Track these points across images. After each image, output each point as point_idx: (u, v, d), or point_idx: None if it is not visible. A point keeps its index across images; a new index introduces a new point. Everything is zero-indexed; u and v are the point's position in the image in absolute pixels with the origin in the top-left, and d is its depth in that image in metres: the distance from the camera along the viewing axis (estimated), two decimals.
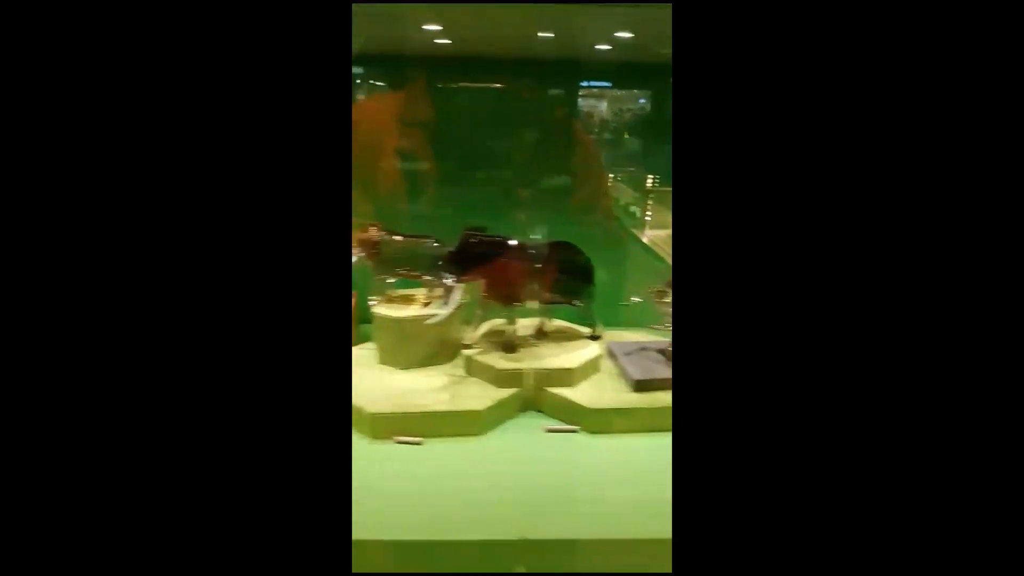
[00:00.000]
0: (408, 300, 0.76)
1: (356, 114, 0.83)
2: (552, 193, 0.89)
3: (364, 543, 0.47)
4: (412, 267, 0.71)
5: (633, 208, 0.96)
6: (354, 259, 0.73)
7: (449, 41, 0.77)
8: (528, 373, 0.67)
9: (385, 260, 0.71)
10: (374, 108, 0.86)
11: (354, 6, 0.36)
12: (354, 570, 0.47)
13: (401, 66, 0.85)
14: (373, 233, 0.70)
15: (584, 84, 0.90)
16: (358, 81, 0.87)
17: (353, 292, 0.84)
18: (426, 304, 0.74)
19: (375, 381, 0.68)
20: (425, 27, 0.70)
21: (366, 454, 0.59)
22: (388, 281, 0.73)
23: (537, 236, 0.84)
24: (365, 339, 0.81)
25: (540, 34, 0.73)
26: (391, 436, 0.61)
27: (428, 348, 0.72)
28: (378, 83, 0.87)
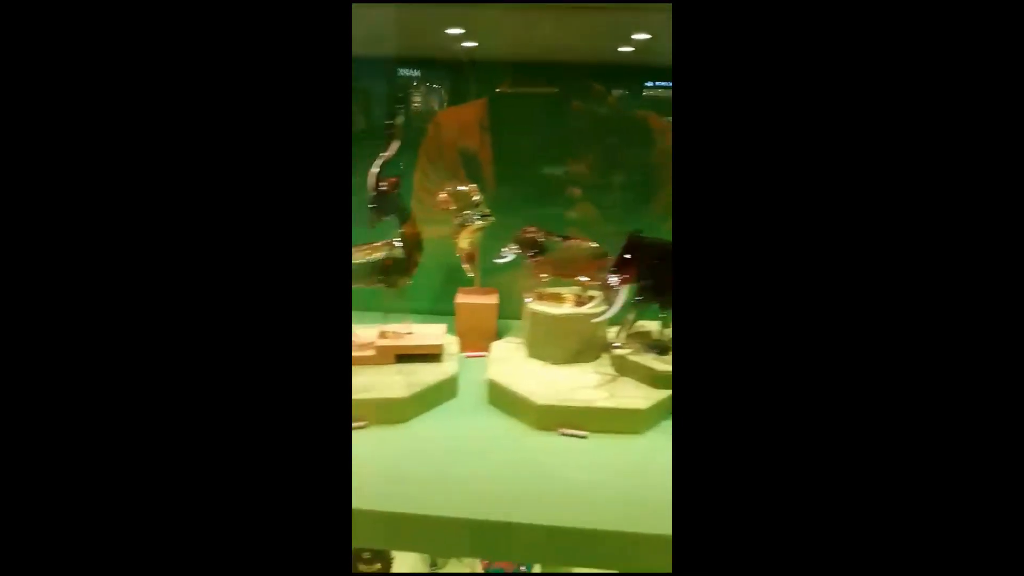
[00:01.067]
0: (559, 298, 0.78)
1: (446, 119, 0.92)
2: (622, 193, 0.91)
3: (524, 527, 0.49)
4: (570, 267, 0.74)
5: None
6: (511, 257, 0.77)
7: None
8: None
9: (546, 260, 0.74)
10: (463, 114, 0.94)
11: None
12: (512, 552, 0.51)
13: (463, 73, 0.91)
14: (537, 233, 0.74)
15: (648, 84, 0.90)
16: (415, 84, 0.93)
17: (495, 289, 0.89)
18: (579, 303, 0.76)
19: (534, 374, 0.71)
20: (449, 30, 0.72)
21: (531, 443, 0.62)
22: (544, 279, 0.77)
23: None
24: (502, 334, 0.86)
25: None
26: (556, 428, 0.64)
27: (578, 345, 0.75)
28: (434, 85, 0.92)
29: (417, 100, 0.92)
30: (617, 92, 0.91)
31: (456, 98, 0.94)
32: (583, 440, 0.63)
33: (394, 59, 0.91)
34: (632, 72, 0.89)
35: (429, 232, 0.76)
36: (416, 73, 0.92)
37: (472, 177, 0.91)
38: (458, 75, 0.92)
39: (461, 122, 0.93)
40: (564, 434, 0.63)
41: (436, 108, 0.93)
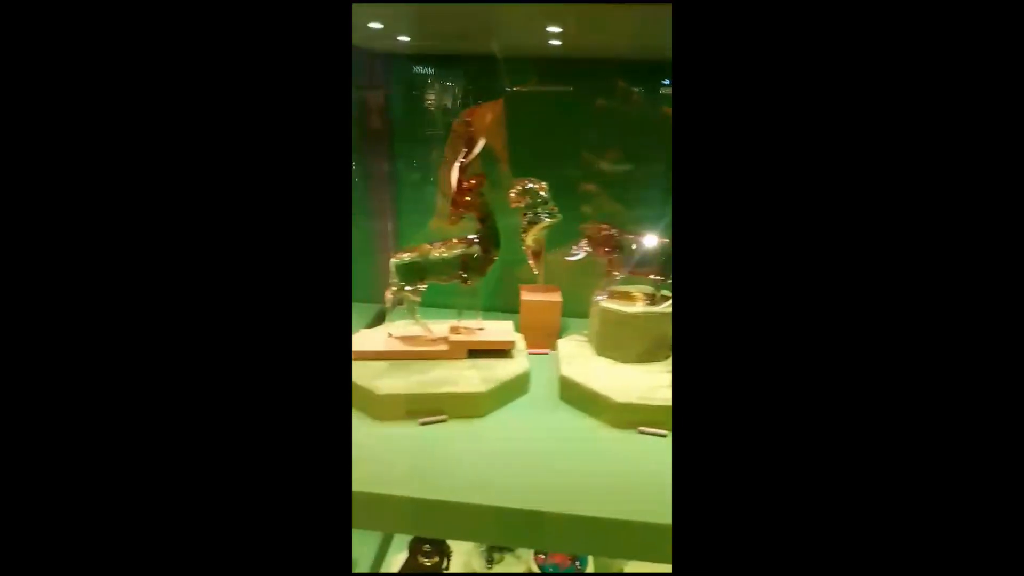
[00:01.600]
0: (629, 297, 0.78)
1: (471, 117, 0.93)
2: (644, 191, 0.92)
3: (614, 522, 0.50)
4: (645, 265, 0.74)
5: None
6: (581, 255, 0.77)
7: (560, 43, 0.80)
8: None
9: (621, 257, 0.74)
10: (486, 112, 0.96)
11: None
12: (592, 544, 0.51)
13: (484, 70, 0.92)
14: (612, 231, 0.73)
15: (666, 83, 0.90)
16: (429, 81, 0.94)
17: (557, 287, 0.89)
18: (651, 302, 0.76)
19: (606, 372, 0.72)
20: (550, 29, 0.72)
21: (612, 441, 0.63)
22: (616, 277, 0.76)
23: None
24: (561, 332, 0.86)
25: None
26: (633, 426, 0.64)
27: (650, 344, 0.75)
28: (448, 83, 0.93)
29: (432, 97, 0.94)
30: (638, 89, 0.91)
31: (489, 95, 0.95)
32: (663, 439, 0.63)
33: (480, 57, 0.91)
34: (657, 69, 0.89)
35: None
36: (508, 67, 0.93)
37: (489, 172, 0.92)
38: (498, 72, 0.94)
39: (485, 120, 0.96)
40: (643, 432, 0.63)
41: (451, 106, 0.95)
